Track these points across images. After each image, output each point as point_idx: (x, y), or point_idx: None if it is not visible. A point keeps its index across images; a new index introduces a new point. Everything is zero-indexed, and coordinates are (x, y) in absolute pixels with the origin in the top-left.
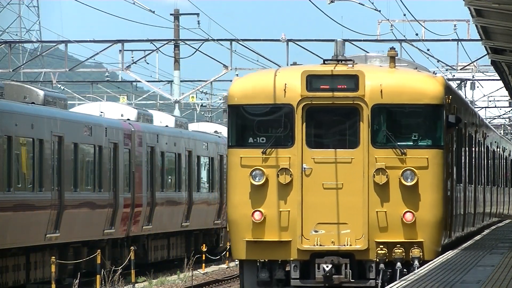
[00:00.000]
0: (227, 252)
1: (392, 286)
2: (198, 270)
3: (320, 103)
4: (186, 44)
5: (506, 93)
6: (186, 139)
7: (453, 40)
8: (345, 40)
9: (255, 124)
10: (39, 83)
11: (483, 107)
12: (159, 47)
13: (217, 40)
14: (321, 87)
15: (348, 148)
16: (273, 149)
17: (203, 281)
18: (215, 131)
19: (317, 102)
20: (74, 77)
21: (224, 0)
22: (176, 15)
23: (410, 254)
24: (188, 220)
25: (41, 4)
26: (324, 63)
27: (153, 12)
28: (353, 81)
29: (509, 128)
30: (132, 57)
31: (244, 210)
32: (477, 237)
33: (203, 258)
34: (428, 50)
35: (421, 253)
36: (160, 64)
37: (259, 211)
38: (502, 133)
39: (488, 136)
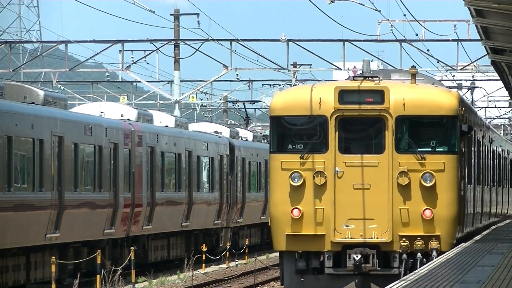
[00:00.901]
0: (227, 252)
1: (392, 286)
2: (198, 270)
3: (350, 114)
4: (186, 44)
5: (506, 93)
6: (186, 139)
7: (453, 40)
8: (345, 40)
9: (294, 133)
10: (39, 83)
11: (483, 107)
12: (159, 47)
13: (217, 40)
14: (351, 100)
15: (374, 153)
16: (309, 155)
17: (203, 281)
18: (215, 131)
19: (348, 114)
20: (74, 77)
21: (224, 0)
22: (176, 15)
23: (429, 245)
24: (188, 220)
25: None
26: (353, 79)
27: (153, 12)
28: (379, 95)
29: (509, 128)
30: (132, 57)
31: (284, 208)
32: (485, 232)
33: (203, 258)
34: (428, 50)
35: (438, 245)
36: (160, 64)
37: (297, 208)
38: (502, 133)
39: (494, 140)
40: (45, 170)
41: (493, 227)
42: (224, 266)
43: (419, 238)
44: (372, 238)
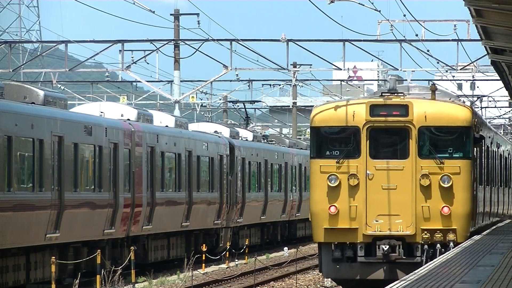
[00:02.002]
0: (227, 252)
1: (392, 286)
2: (198, 270)
3: (379, 125)
4: (186, 44)
5: (506, 93)
6: (186, 139)
7: (453, 40)
8: (345, 40)
9: (331, 141)
10: (39, 83)
11: (483, 107)
12: (159, 47)
13: (217, 40)
14: (381, 113)
15: (400, 158)
16: (344, 160)
17: (203, 281)
18: (215, 131)
19: (377, 124)
20: (74, 77)
21: (224, 0)
22: (176, 15)
23: (447, 238)
24: (188, 220)
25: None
26: (381, 95)
27: (153, 12)
28: (404, 109)
29: (509, 128)
30: (132, 57)
31: (323, 205)
32: (486, 232)
33: (203, 258)
34: (428, 51)
35: (455, 237)
36: (160, 64)
37: (334, 205)
38: (502, 133)
39: (501, 146)
40: (45, 170)
41: (500, 224)
42: (224, 266)
43: (438, 231)
44: (398, 231)
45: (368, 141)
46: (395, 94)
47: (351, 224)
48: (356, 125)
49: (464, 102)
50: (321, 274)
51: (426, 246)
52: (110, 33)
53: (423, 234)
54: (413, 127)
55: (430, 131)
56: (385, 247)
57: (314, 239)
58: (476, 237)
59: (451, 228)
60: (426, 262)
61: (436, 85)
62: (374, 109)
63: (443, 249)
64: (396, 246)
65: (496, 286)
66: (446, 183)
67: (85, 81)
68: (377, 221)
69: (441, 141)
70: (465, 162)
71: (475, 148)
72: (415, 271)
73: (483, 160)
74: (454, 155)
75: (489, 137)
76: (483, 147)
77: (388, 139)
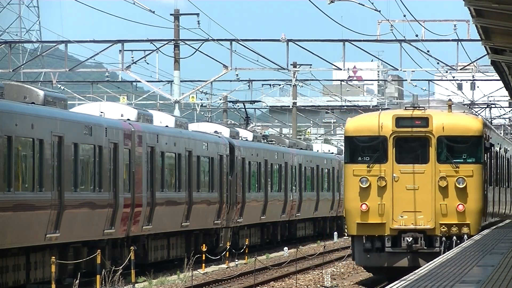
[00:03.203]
0: (227, 252)
1: (393, 286)
2: (198, 270)
3: (404, 135)
4: (186, 44)
5: (506, 93)
6: (186, 139)
7: (453, 40)
8: (345, 40)
9: (362, 148)
10: (39, 83)
11: (483, 107)
12: (159, 47)
13: (217, 40)
14: (405, 124)
15: (421, 163)
16: (374, 164)
17: (203, 281)
18: (215, 131)
19: (402, 134)
20: (74, 77)
21: (224, 0)
22: (176, 15)
23: (462, 231)
24: (188, 220)
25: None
26: (405, 109)
27: (153, 12)
28: (425, 121)
29: (509, 128)
30: (132, 57)
31: (355, 203)
32: (485, 232)
33: (203, 258)
34: (428, 51)
35: (468, 231)
36: (160, 64)
37: (365, 204)
38: (502, 133)
39: (508, 150)
40: (45, 170)
41: (507, 221)
42: (224, 266)
43: (454, 226)
44: (420, 225)
45: (394, 149)
46: (417, 108)
47: (380, 219)
48: (384, 134)
49: (476, 114)
50: (353, 262)
51: (444, 238)
52: (110, 33)
53: (441, 228)
54: (432, 136)
55: (447, 139)
56: (409, 239)
57: (348, 232)
58: (476, 237)
59: (465, 222)
60: (443, 252)
61: (451, 100)
62: (399, 121)
63: (458, 241)
64: (418, 238)
65: (496, 286)
66: (461, 184)
67: (85, 81)
68: (402, 216)
69: (457, 148)
70: (477, 166)
71: (485, 154)
72: (415, 271)
73: (492, 164)
74: (467, 161)
75: (498, 143)
76: (492, 153)
77: (411, 147)
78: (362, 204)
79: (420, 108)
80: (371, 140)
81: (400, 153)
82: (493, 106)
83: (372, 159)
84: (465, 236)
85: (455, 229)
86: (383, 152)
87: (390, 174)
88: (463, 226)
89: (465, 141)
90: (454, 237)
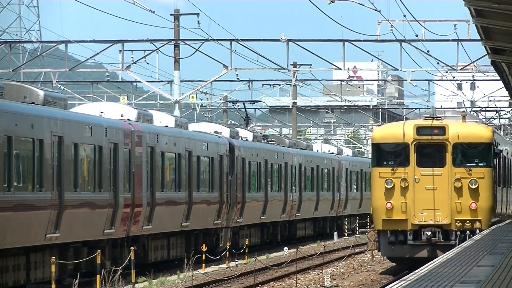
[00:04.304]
0: (227, 252)
1: (393, 286)
2: (198, 270)
3: (424, 142)
4: (186, 44)
5: (506, 93)
6: (186, 139)
7: (453, 40)
8: (345, 40)
9: (387, 154)
10: (39, 83)
11: (483, 107)
12: (159, 47)
13: (217, 40)
14: (424, 133)
15: (439, 167)
16: (397, 168)
17: (203, 281)
18: (215, 131)
19: (422, 141)
20: (74, 77)
21: (224, 0)
22: (176, 15)
23: (474, 226)
24: (188, 220)
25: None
26: (425, 119)
27: (153, 12)
28: (442, 129)
29: (509, 128)
30: (132, 57)
31: (381, 202)
32: (484, 232)
33: (203, 258)
34: (428, 51)
35: (480, 226)
36: (160, 64)
37: (390, 202)
38: (502, 133)
39: None
40: (45, 170)
41: (508, 221)
42: (224, 266)
43: (467, 221)
44: (438, 221)
45: (415, 154)
46: (435, 118)
47: (403, 216)
48: (406, 141)
49: (487, 123)
50: (379, 253)
51: (458, 232)
52: (110, 33)
53: (456, 223)
54: (449, 143)
55: (462, 146)
56: (428, 233)
57: (375, 227)
58: (476, 237)
59: (477, 219)
60: (458, 244)
61: (465, 111)
62: (419, 130)
63: (471, 234)
64: (436, 232)
65: (496, 286)
66: (473, 185)
67: (85, 81)
68: (422, 213)
69: (470, 153)
70: (488, 169)
71: (495, 159)
72: (415, 271)
73: (501, 167)
74: (479, 164)
75: (506, 149)
76: (501, 157)
77: (430, 152)
78: (387, 203)
79: (438, 118)
80: (395, 147)
81: (420, 158)
82: (501, 111)
83: (396, 163)
84: (477, 230)
85: (469, 224)
86: (406, 157)
87: (411, 176)
88: (475, 221)
89: (477, 147)
90: (468, 231)
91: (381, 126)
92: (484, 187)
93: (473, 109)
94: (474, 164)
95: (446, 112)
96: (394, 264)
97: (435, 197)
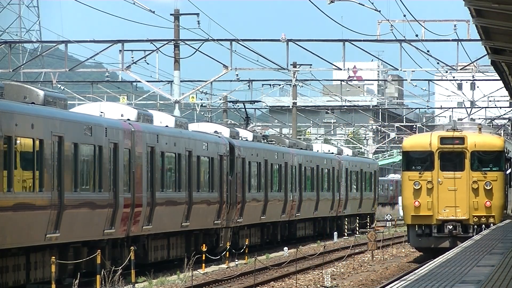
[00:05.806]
0: (227, 252)
1: (393, 286)
2: (198, 270)
3: (446, 150)
4: (186, 44)
5: (506, 93)
6: (186, 139)
7: (453, 40)
8: (345, 40)
9: (415, 160)
10: (39, 83)
11: (483, 107)
12: (159, 47)
13: (217, 40)
14: (447, 142)
15: (459, 171)
16: (424, 172)
17: (203, 281)
18: (215, 131)
19: (445, 150)
20: (74, 77)
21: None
22: (176, 15)
23: (489, 220)
24: (188, 220)
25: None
26: (447, 131)
27: (153, 12)
28: (462, 139)
29: (509, 128)
30: (132, 57)
31: (410, 200)
32: (484, 233)
33: (203, 258)
34: (428, 51)
35: (494, 220)
36: (160, 64)
37: (417, 201)
38: (502, 134)
39: None
40: (45, 170)
41: (507, 221)
42: (224, 266)
43: (483, 217)
44: (458, 217)
45: (439, 160)
46: (456, 130)
47: (428, 212)
48: (431, 150)
49: (499, 134)
50: (408, 244)
51: (475, 226)
52: (110, 33)
53: (474, 218)
54: (467, 151)
55: (478, 153)
56: (450, 227)
57: (405, 222)
58: (476, 237)
59: (491, 215)
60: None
61: (481, 124)
62: (442, 140)
63: (486, 228)
64: (457, 226)
65: (496, 286)
66: (488, 186)
67: (85, 81)
68: (445, 210)
69: (485, 160)
70: (500, 173)
71: (506, 164)
72: (415, 271)
73: (509, 170)
74: (493, 169)
75: None
76: (509, 161)
77: (452, 159)
78: (415, 201)
79: (458, 130)
80: (422, 154)
81: (443, 163)
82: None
83: (423, 168)
84: (491, 225)
85: (484, 219)
86: (431, 162)
87: (436, 179)
88: (489, 217)
89: (491, 154)
90: (483, 226)
91: (409, 137)
92: (497, 188)
93: (485, 118)
94: (489, 169)
95: (465, 124)
96: (394, 261)
97: (456, 197)
